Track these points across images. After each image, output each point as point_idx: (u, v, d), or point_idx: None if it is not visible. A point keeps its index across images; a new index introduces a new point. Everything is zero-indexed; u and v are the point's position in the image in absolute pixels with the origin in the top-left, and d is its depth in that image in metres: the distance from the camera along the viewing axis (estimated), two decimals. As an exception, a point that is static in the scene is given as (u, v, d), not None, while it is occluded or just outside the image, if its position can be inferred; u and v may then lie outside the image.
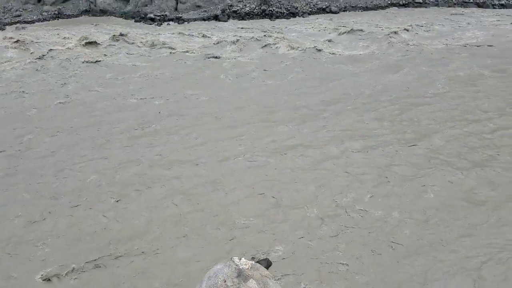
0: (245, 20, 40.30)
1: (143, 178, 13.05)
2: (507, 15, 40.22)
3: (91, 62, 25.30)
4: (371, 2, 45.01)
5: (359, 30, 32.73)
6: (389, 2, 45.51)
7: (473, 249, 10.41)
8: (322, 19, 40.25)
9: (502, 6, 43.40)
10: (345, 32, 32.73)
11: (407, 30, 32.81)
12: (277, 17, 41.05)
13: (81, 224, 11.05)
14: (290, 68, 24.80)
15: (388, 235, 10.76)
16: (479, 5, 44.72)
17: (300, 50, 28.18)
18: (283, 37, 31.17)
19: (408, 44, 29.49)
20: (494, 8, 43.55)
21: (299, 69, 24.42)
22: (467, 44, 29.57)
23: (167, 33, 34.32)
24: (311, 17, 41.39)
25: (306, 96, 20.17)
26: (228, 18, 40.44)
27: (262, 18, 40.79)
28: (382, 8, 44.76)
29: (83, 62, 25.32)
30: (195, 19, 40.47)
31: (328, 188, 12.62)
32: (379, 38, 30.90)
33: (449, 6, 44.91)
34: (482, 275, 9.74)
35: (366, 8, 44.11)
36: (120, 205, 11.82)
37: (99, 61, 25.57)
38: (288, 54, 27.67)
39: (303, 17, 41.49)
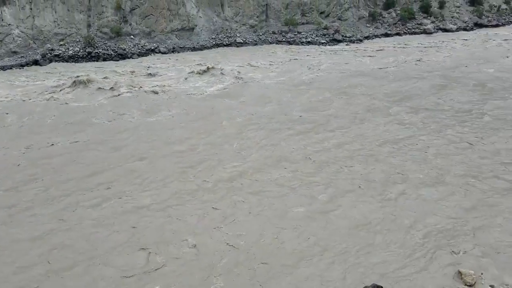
0: (69, 63, 38.14)
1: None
2: (321, 51, 46.37)
3: None
4: (197, 43, 47.07)
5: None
6: (214, 43, 48.25)
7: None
8: (152, 60, 40.58)
9: (309, 43, 49.86)
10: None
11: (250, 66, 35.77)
12: (105, 59, 39.87)
13: None
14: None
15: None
16: (289, 43, 50.47)
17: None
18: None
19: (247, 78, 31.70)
20: (303, 44, 49.66)
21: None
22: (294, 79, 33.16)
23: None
24: (143, 58, 41.44)
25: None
26: (50, 62, 37.71)
27: (89, 61, 39.16)
28: (208, 48, 47.17)
29: None
30: (11, 66, 36.66)
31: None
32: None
33: (268, 44, 49.67)
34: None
35: (194, 49, 45.91)
36: None
37: None
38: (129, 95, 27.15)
39: (132, 58, 41.13)
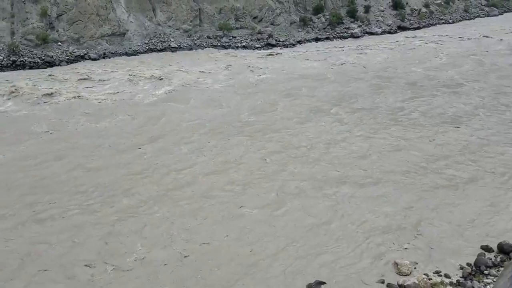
0: (-9, 72, 35.58)
1: None
2: (259, 55, 46.86)
3: None
4: (129, 48, 45.78)
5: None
6: (147, 48, 47.17)
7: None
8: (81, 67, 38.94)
9: (244, 47, 50.28)
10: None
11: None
12: (31, 68, 37.69)
13: None
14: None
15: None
16: (225, 47, 50.53)
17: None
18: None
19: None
20: (238, 48, 49.95)
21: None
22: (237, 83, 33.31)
23: None
24: (72, 65, 39.61)
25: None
26: (-31, 72, 34.93)
27: (14, 70, 36.81)
28: (142, 53, 46.02)
29: None
30: None
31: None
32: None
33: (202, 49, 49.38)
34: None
35: (126, 54, 44.59)
36: None
37: None
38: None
39: (60, 65, 39.15)
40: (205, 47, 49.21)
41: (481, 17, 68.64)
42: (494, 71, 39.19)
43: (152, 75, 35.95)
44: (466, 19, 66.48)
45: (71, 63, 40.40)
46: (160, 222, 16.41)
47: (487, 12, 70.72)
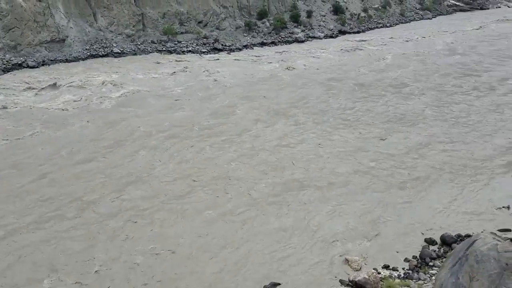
0: None
1: None
2: (208, 59, 46.61)
3: None
4: (70, 55, 44.17)
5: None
6: (89, 54, 45.70)
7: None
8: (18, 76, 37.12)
9: (190, 52, 49.90)
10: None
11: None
12: (-37, 76, 35.37)
13: None
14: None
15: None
16: (170, 52, 49.90)
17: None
18: None
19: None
20: (184, 53, 49.48)
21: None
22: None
23: None
24: (12, 73, 37.69)
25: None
26: None
27: None
28: (83, 59, 44.53)
29: None
30: None
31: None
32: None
33: (147, 54, 48.46)
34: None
35: (67, 61, 42.97)
36: None
37: None
38: None
39: (-4, 74, 37.06)
40: (150, 52, 48.38)
41: (416, 20, 72.19)
42: (435, 71, 41.53)
43: (104, 81, 35.15)
44: (402, 23, 69.67)
45: (8, 71, 38.38)
46: (113, 234, 16.06)
47: (421, 15, 74.51)
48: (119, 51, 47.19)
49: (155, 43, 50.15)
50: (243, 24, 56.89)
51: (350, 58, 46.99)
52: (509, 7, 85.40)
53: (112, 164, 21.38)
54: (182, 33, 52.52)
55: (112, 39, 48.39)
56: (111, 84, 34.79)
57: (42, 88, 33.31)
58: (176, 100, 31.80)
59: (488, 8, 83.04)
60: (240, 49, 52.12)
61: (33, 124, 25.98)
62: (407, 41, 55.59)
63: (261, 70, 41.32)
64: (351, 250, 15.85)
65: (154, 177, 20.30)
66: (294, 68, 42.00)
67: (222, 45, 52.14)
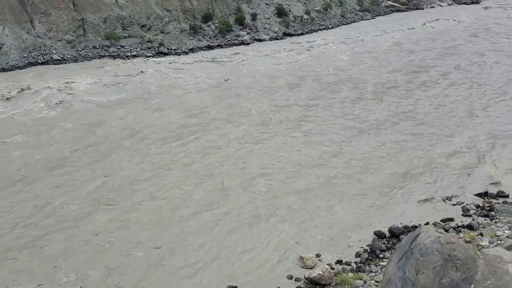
0: None
1: None
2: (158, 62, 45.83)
3: None
4: (7, 63, 42.03)
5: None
6: (27, 62, 43.71)
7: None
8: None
9: (134, 56, 48.86)
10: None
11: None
12: None
13: None
14: None
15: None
16: (114, 57, 48.65)
17: None
18: None
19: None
20: (128, 58, 48.37)
21: None
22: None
23: None
24: None
25: None
26: None
27: None
28: (21, 68, 42.54)
29: None
30: None
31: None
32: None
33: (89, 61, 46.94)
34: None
35: (3, 69, 40.90)
36: None
37: None
38: None
39: None
40: (92, 58, 46.93)
41: (356, 21, 74.58)
42: (385, 66, 43.91)
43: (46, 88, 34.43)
44: (344, 24, 71.78)
45: None
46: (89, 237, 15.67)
47: (361, 16, 77.08)
48: (59, 58, 45.51)
49: (97, 48, 48.73)
50: (188, 28, 56.51)
51: (309, 57, 48.35)
52: (441, 6, 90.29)
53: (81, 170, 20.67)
54: (125, 37, 51.36)
55: (52, 46, 46.58)
56: (54, 92, 33.76)
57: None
58: (155, 101, 31.20)
59: (422, 8, 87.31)
60: (186, 53, 51.75)
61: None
62: (355, 40, 57.54)
63: (227, 72, 41.58)
64: (305, 248, 16.24)
65: (124, 178, 19.84)
66: (257, 70, 42.77)
67: (167, 48, 51.53)
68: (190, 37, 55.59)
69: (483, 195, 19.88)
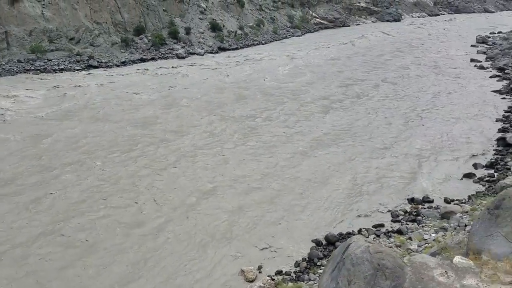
0: None
1: None
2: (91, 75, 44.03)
3: None
4: None
5: None
6: None
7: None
8: None
9: (62, 70, 46.77)
10: None
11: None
12: None
13: None
14: None
15: None
16: (40, 71, 46.25)
17: None
18: None
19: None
20: (56, 72, 46.18)
21: None
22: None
23: None
24: None
25: None
26: None
27: None
28: None
29: None
30: None
31: None
32: None
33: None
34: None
35: None
36: None
37: None
38: None
39: None
40: (17, 72, 44.35)
41: (288, 37, 76.74)
42: (322, 79, 46.00)
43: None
44: (276, 40, 73.54)
45: None
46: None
47: (292, 33, 79.40)
48: (-21, 72, 42.55)
49: (21, 62, 46.14)
50: (120, 40, 55.17)
51: (252, 70, 49.36)
52: (366, 23, 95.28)
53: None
54: (52, 50, 49.09)
55: (-30, 60, 43.46)
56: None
57: None
58: (101, 111, 29.78)
59: (349, 25, 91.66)
60: (118, 66, 50.44)
61: None
62: (292, 55, 59.21)
63: (176, 84, 40.81)
64: (246, 261, 16.24)
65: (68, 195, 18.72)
66: (205, 81, 43.38)
67: (97, 62, 49.92)
68: (122, 50, 54.27)
69: (410, 201, 21.04)
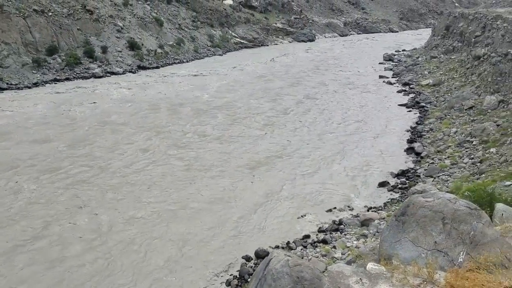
0: None
1: None
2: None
3: None
4: None
5: None
6: None
7: None
8: None
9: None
10: None
11: None
12: None
13: None
14: None
15: None
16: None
17: None
18: None
19: None
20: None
21: None
22: None
23: None
24: None
25: None
26: None
27: None
28: None
29: None
30: None
31: None
32: None
33: None
34: None
35: None
36: None
37: None
38: None
39: None
40: None
41: (209, 56, 77.18)
42: (250, 94, 47.68)
43: None
44: (197, 59, 73.61)
45: None
46: None
47: (213, 52, 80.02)
48: None
49: None
50: (31, 61, 52.17)
51: (179, 89, 49.60)
52: (283, 43, 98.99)
53: None
54: (-47, 72, 45.21)
55: None
56: None
57: None
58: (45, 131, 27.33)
59: (267, 45, 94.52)
60: (30, 87, 47.68)
61: None
62: (217, 73, 60.37)
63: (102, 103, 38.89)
64: (178, 282, 15.89)
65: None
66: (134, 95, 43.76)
67: (7, 83, 46.79)
68: (33, 71, 51.31)
69: (330, 211, 21.91)
